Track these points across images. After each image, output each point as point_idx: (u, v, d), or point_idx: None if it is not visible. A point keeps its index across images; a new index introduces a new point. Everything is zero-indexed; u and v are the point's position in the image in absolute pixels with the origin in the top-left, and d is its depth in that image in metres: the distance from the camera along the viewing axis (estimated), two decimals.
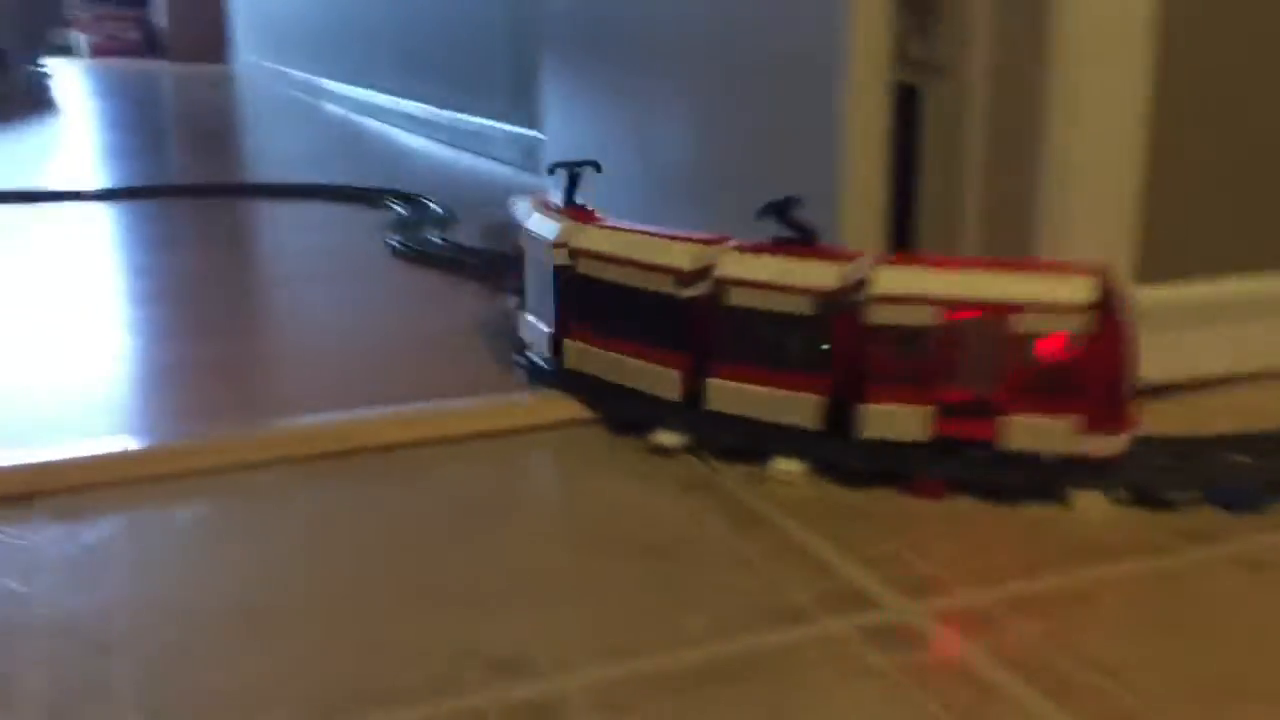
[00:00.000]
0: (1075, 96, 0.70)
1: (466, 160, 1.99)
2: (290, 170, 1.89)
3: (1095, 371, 0.58)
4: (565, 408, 0.73)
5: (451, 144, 2.19)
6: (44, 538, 0.57)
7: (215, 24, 5.39)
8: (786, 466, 0.64)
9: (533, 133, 1.81)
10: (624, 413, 0.71)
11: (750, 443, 0.66)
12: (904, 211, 0.82)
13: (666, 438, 0.68)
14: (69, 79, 4.26)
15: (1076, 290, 0.57)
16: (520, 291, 0.82)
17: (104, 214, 1.48)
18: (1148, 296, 0.72)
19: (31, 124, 2.71)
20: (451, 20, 2.21)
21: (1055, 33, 0.68)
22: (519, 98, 1.88)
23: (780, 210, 0.65)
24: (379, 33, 2.72)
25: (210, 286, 1.10)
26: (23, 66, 3.58)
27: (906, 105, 0.80)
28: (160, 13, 5.50)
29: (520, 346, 0.81)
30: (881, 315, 0.60)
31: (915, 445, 0.62)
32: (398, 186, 1.62)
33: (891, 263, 0.62)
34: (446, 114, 2.22)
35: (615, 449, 0.68)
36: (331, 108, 3.12)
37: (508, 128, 1.92)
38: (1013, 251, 0.74)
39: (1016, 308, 0.58)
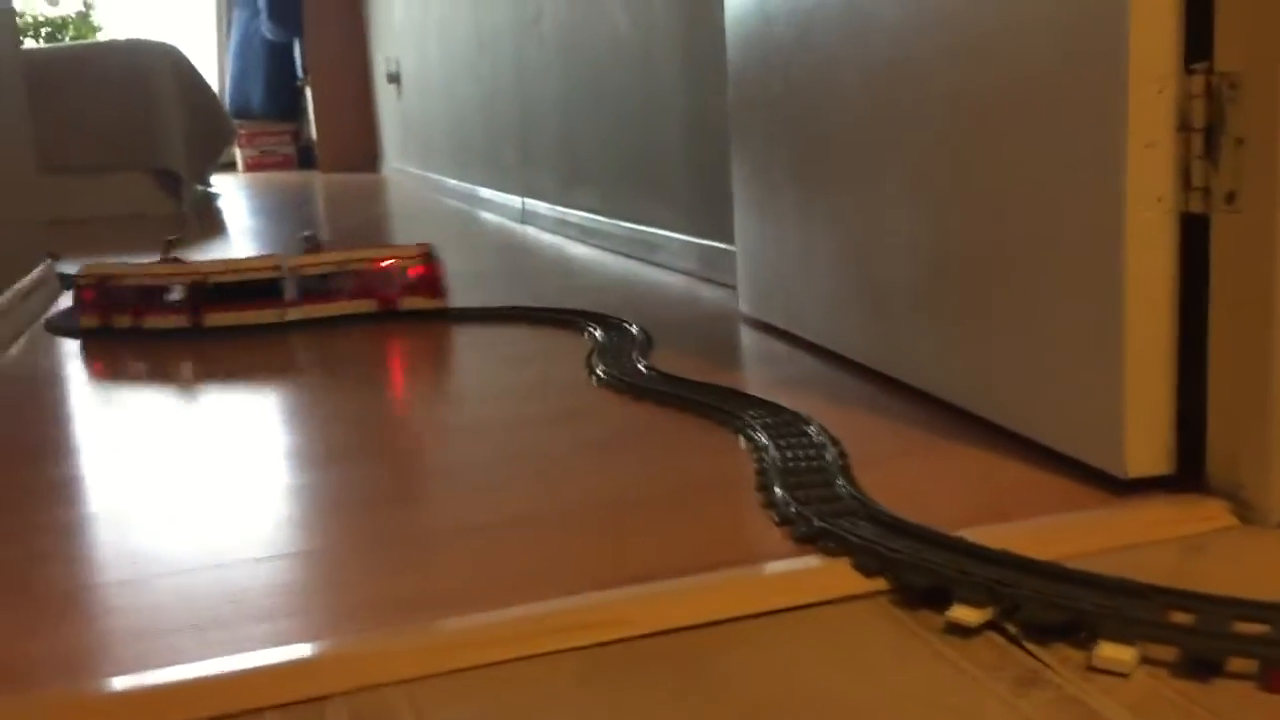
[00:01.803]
0: None
1: (638, 270, 1.98)
2: (460, 286, 1.91)
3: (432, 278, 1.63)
4: (846, 579, 0.68)
5: (621, 252, 2.19)
6: None
7: (364, 135, 5.61)
8: (1117, 655, 0.58)
9: (711, 242, 1.79)
10: (915, 580, 0.66)
11: (1065, 618, 0.61)
12: (1198, 331, 0.76)
13: (967, 614, 0.63)
14: (231, 195, 4.47)
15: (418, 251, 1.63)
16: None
17: (279, 347, 1.50)
18: None
19: (204, 248, 2.82)
20: (620, 127, 2.22)
21: None
22: (696, 205, 1.87)
23: (309, 239, 1.72)
24: (541, 141, 2.76)
25: (401, 438, 1.08)
26: (193, 188, 3.76)
27: (1195, 234, 0.75)
28: (311, 126, 5.75)
29: None
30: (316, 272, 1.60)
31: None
32: (573, 303, 1.62)
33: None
34: (616, 223, 2.23)
35: (910, 629, 0.63)
36: (488, 216, 3.18)
37: (683, 237, 1.91)
38: None
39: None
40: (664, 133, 1.97)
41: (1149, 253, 0.75)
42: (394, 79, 4.79)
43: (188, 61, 3.76)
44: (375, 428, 1.10)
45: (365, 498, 0.90)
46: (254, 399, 1.23)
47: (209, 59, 6.61)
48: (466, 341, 1.48)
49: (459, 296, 1.80)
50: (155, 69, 3.59)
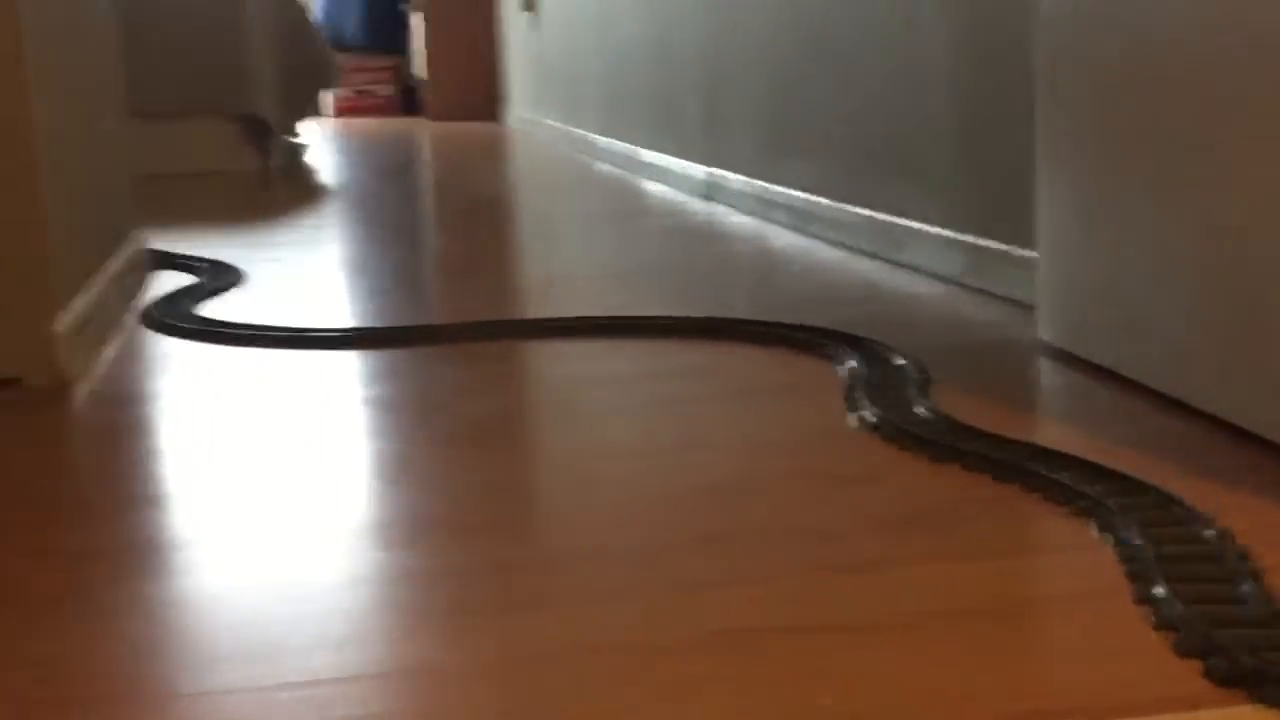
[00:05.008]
0: None
1: (874, 271, 1.95)
2: (627, 284, 1.90)
3: None
4: None
5: (848, 245, 2.16)
6: None
7: (484, 76, 5.68)
8: None
9: (985, 240, 1.75)
10: None
11: None
12: None
13: None
14: (321, 148, 4.57)
15: None
16: None
17: (385, 364, 1.50)
18: None
19: (293, 216, 2.88)
20: (852, 87, 2.19)
21: None
22: (962, 191, 1.83)
23: None
24: (736, 98, 2.75)
25: (599, 500, 1.07)
26: (281, 139, 3.85)
27: None
28: (420, 63, 5.84)
29: None
30: None
31: None
32: (790, 315, 1.58)
33: None
34: (842, 207, 2.19)
35: None
36: (656, 187, 3.18)
37: (942, 231, 1.86)
38: None
39: None
40: (918, 95, 1.93)
41: None
42: (529, 6, 4.84)
43: None
44: (568, 483, 1.09)
45: (499, 602, 0.89)
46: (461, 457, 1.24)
47: None
48: (664, 365, 1.45)
49: (625, 297, 1.78)
50: None
